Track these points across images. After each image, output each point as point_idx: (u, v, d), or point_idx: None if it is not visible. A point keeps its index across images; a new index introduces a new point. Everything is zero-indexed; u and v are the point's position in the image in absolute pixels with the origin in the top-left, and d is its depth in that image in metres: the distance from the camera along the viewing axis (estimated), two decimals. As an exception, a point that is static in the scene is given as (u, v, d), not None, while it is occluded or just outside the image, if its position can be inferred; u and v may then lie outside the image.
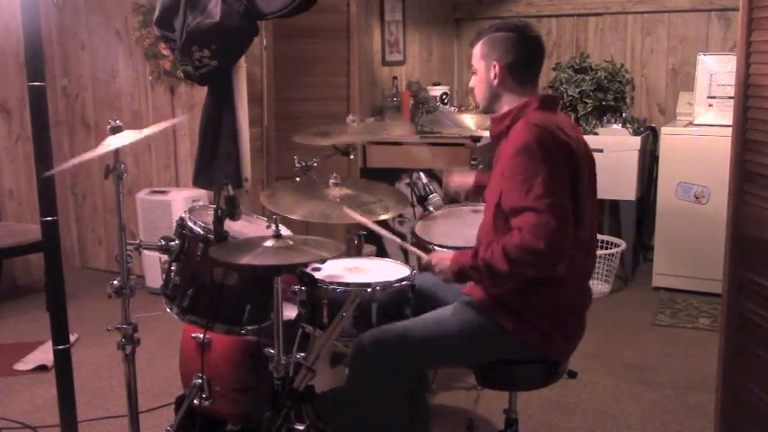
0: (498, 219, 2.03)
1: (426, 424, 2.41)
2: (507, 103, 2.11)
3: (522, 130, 1.97)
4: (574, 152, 1.99)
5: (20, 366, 3.42)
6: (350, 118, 2.82)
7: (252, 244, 2.08)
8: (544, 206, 1.85)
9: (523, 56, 2.08)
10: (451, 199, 2.93)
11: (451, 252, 2.07)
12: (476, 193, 2.62)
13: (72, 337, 3.18)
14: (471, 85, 2.19)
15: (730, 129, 2.28)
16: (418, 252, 2.24)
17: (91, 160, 2.04)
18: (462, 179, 2.64)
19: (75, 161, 2.16)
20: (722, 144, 2.95)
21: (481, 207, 2.36)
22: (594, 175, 2.12)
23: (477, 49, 2.13)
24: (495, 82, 2.09)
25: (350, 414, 2.14)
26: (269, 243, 2.07)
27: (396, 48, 5.07)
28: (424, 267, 2.12)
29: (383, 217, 2.34)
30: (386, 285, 2.23)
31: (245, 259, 1.99)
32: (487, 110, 2.18)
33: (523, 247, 1.85)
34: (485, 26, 2.15)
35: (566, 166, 1.95)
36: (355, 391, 2.10)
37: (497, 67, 2.08)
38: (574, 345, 2.13)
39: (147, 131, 2.20)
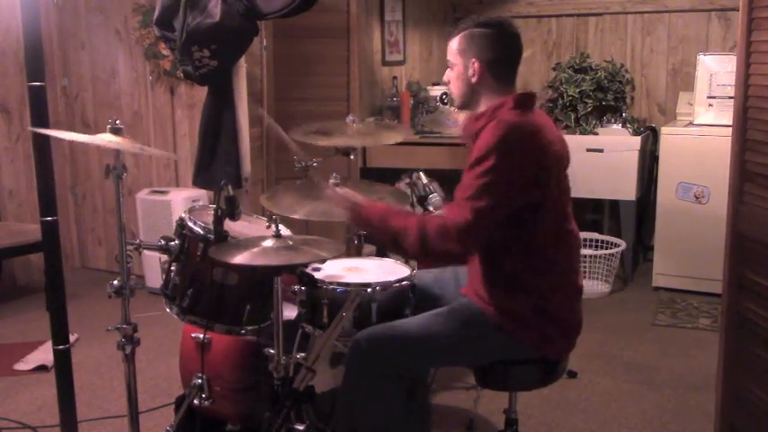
0: None
1: (427, 424, 2.41)
2: (485, 102, 2.08)
3: (492, 129, 1.94)
4: (546, 152, 1.97)
5: (20, 366, 3.42)
6: (349, 118, 2.82)
7: (251, 244, 2.08)
8: (476, 207, 1.87)
9: (503, 53, 2.06)
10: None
11: (367, 201, 2.10)
12: None
13: (72, 337, 3.18)
14: (446, 79, 2.15)
15: (730, 129, 2.28)
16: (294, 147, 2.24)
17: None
18: None
19: (70, 135, 2.14)
20: (722, 144, 2.95)
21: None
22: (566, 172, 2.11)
23: (455, 44, 2.09)
24: (474, 80, 2.06)
25: (346, 414, 2.13)
26: (269, 243, 2.07)
27: (396, 48, 5.07)
28: (331, 196, 2.16)
29: None
30: (386, 285, 2.23)
31: (245, 259, 1.99)
32: (464, 107, 2.14)
33: (437, 237, 1.89)
34: (462, 21, 2.11)
35: (530, 169, 1.93)
36: (351, 391, 2.09)
37: (476, 65, 2.05)
38: (573, 342, 2.13)
39: (152, 151, 2.20)
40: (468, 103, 2.12)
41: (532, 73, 5.47)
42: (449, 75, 2.14)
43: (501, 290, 2.05)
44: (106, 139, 2.10)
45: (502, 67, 2.07)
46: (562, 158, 2.07)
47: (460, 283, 2.28)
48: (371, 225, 2.05)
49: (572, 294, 2.12)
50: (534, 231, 2.00)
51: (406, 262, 2.51)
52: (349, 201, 2.10)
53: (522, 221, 1.97)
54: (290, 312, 2.26)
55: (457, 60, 2.09)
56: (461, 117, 2.21)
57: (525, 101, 2.05)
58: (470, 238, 1.90)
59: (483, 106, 2.08)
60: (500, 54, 2.06)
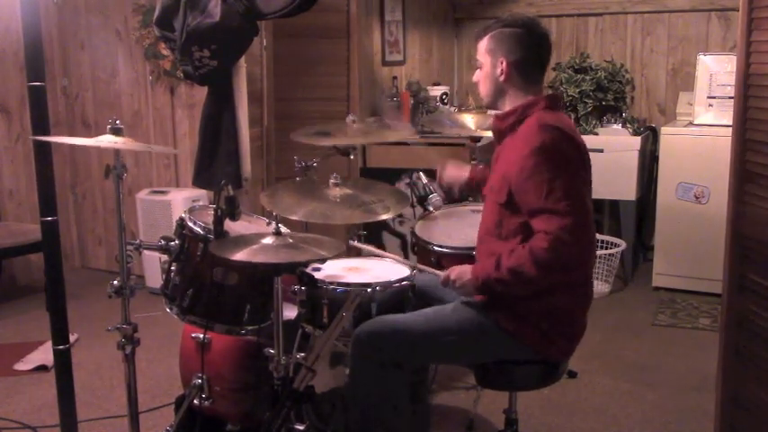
0: (503, 218, 2.02)
1: (426, 421, 2.42)
2: (511, 101, 2.10)
3: (536, 130, 1.95)
4: (586, 154, 2.01)
5: (20, 366, 3.42)
6: (350, 118, 2.82)
7: (251, 241, 2.08)
8: (567, 208, 1.87)
9: (530, 53, 2.07)
10: (452, 199, 2.92)
11: (468, 266, 2.04)
12: (469, 189, 2.61)
13: (72, 337, 3.18)
14: (475, 79, 2.17)
15: (730, 129, 2.28)
16: (433, 271, 2.20)
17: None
18: (457, 172, 2.62)
19: (73, 140, 2.14)
20: (722, 144, 2.95)
21: (482, 207, 2.35)
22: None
23: (484, 44, 2.11)
24: (502, 78, 2.07)
25: (352, 409, 2.13)
26: (268, 240, 2.07)
27: (396, 48, 5.07)
28: (443, 283, 2.09)
29: (383, 216, 2.33)
30: (386, 285, 2.22)
31: (245, 256, 1.99)
32: (491, 106, 2.17)
33: (553, 250, 1.85)
34: (490, 21, 2.13)
35: (582, 169, 1.98)
36: (356, 384, 2.09)
37: (504, 64, 2.06)
38: (574, 345, 2.13)
39: (158, 148, 2.20)
40: (495, 101, 2.14)
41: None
42: (477, 75, 2.16)
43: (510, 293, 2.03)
44: (110, 140, 2.10)
45: (529, 66, 2.08)
46: (589, 161, 2.09)
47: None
48: (489, 287, 1.97)
49: (583, 300, 2.13)
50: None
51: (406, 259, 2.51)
52: (462, 277, 2.04)
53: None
54: (290, 312, 2.26)
55: (485, 60, 2.11)
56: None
57: (557, 102, 2.09)
58: (579, 236, 1.88)
59: (509, 105, 2.10)
60: (527, 54, 2.07)
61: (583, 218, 1.90)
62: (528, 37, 2.06)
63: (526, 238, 1.96)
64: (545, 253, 1.86)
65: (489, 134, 2.72)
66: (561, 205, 1.87)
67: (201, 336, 2.37)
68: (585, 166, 2.02)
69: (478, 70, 2.15)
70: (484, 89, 2.14)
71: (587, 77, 4.79)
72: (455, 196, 2.82)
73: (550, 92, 2.11)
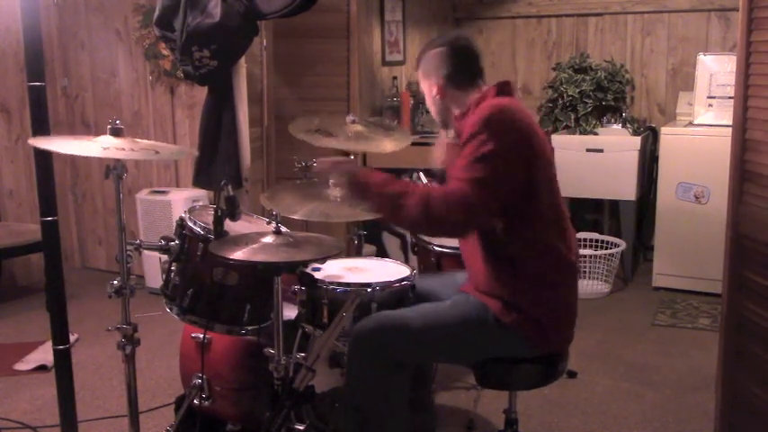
0: None
1: (430, 423, 2.41)
2: (457, 110, 2.15)
3: (479, 111, 2.01)
4: (534, 132, 2.01)
5: (20, 366, 3.42)
6: (350, 118, 2.82)
7: (251, 240, 2.09)
8: (478, 180, 1.89)
9: (457, 65, 2.13)
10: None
11: (365, 169, 2.09)
12: None
13: (72, 337, 3.18)
14: (428, 105, 2.24)
15: (730, 129, 2.29)
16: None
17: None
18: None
19: (75, 147, 2.14)
20: (722, 144, 2.95)
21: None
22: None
23: (419, 72, 2.20)
24: (439, 97, 2.16)
25: (350, 407, 2.13)
26: (269, 239, 2.07)
27: (396, 48, 5.07)
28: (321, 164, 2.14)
29: None
30: (386, 285, 2.23)
31: (245, 255, 1.99)
32: (444, 124, 2.22)
33: (441, 204, 1.88)
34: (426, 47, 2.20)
35: (522, 145, 1.96)
36: (354, 382, 2.09)
37: (438, 83, 2.14)
38: (571, 332, 2.14)
39: (169, 147, 2.20)
40: (444, 119, 2.21)
41: (532, 73, 5.48)
42: (426, 100, 2.23)
43: (504, 281, 2.05)
44: (113, 144, 2.09)
45: (459, 77, 2.14)
46: (546, 144, 2.09)
47: (458, 284, 2.27)
48: (369, 190, 1.98)
49: (571, 275, 2.13)
50: (534, 218, 2.02)
51: (406, 259, 2.51)
52: (346, 166, 2.09)
53: (520, 209, 1.99)
54: (290, 312, 2.26)
55: (424, 85, 2.21)
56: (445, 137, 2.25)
57: (506, 88, 2.12)
58: (472, 208, 1.90)
59: (459, 111, 2.15)
60: (454, 67, 2.13)
61: (486, 197, 1.91)
62: (450, 52, 2.13)
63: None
64: (434, 201, 1.88)
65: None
66: (474, 176, 1.89)
67: (201, 336, 2.37)
68: (536, 142, 2.00)
69: (426, 97, 2.23)
70: (433, 111, 2.23)
71: (587, 77, 4.79)
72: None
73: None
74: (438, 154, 2.59)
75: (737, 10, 2.24)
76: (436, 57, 2.14)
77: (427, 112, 4.74)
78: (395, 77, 4.96)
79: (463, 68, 2.14)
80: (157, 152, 2.18)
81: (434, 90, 2.15)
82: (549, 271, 2.05)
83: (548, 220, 2.05)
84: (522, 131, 1.98)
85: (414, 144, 3.03)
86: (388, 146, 2.81)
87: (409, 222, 1.97)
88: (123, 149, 2.09)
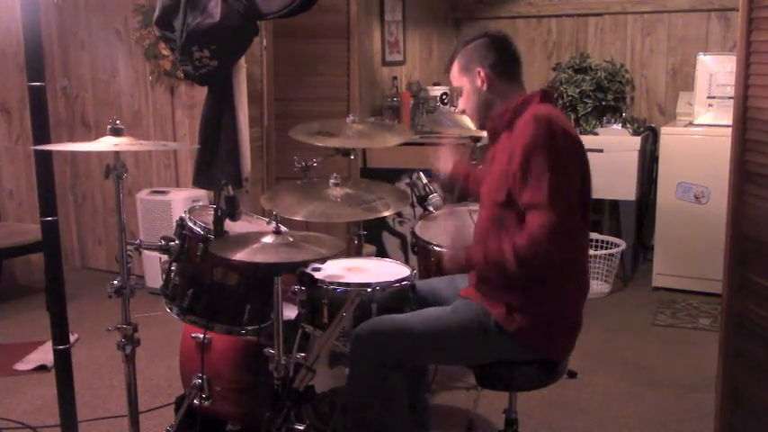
0: (503, 216, 2.02)
1: (426, 423, 2.41)
2: (501, 106, 2.10)
3: (532, 123, 1.94)
4: (582, 147, 2.01)
5: (20, 366, 3.42)
6: (350, 118, 2.82)
7: (251, 240, 2.08)
8: (553, 204, 1.86)
9: (502, 54, 2.10)
10: (452, 199, 2.91)
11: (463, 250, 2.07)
12: (466, 186, 2.56)
13: (72, 337, 3.18)
14: (461, 107, 2.19)
15: (730, 129, 2.28)
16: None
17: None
18: (451, 158, 2.58)
19: (73, 147, 2.14)
20: (722, 144, 2.94)
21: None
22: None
23: (455, 69, 2.15)
24: (485, 88, 2.09)
25: (351, 409, 2.13)
26: (268, 239, 2.07)
27: (396, 48, 5.07)
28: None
29: (384, 213, 2.33)
30: (386, 285, 2.23)
31: (245, 255, 1.99)
32: (482, 122, 2.16)
33: (530, 248, 1.86)
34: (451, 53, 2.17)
35: (578, 163, 1.98)
36: (355, 384, 2.09)
37: (482, 73, 2.08)
38: (573, 341, 2.13)
39: (174, 145, 2.19)
40: (485, 116, 2.13)
41: (532, 73, 5.47)
42: (461, 101, 2.17)
43: (514, 287, 2.03)
44: (113, 142, 2.10)
45: (506, 66, 2.10)
46: (584, 154, 2.08)
47: (458, 287, 2.27)
48: (473, 267, 2.05)
49: (580, 293, 2.12)
50: (574, 230, 1.99)
51: (406, 259, 2.51)
52: (462, 244, 2.07)
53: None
54: (290, 312, 2.26)
55: (463, 81, 2.13)
56: (461, 117, 2.22)
57: (550, 96, 2.09)
58: (558, 235, 1.88)
59: (500, 108, 2.10)
60: (500, 54, 2.09)
61: (566, 215, 1.89)
62: (492, 41, 2.10)
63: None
64: (524, 250, 1.88)
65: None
66: (549, 200, 1.87)
67: (201, 336, 2.37)
68: (579, 158, 2.01)
69: (461, 98, 2.17)
70: (471, 109, 2.15)
71: (587, 77, 4.79)
72: (455, 196, 2.81)
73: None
74: (444, 160, 2.58)
75: (737, 10, 2.24)
76: (478, 48, 2.09)
77: (428, 111, 4.74)
78: (395, 77, 4.96)
79: (508, 58, 2.11)
80: (165, 144, 2.18)
81: (479, 81, 2.08)
82: (563, 280, 2.03)
83: (582, 232, 2.06)
84: (577, 144, 1.99)
85: (414, 144, 3.03)
86: (390, 140, 2.81)
87: (519, 278, 1.96)
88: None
